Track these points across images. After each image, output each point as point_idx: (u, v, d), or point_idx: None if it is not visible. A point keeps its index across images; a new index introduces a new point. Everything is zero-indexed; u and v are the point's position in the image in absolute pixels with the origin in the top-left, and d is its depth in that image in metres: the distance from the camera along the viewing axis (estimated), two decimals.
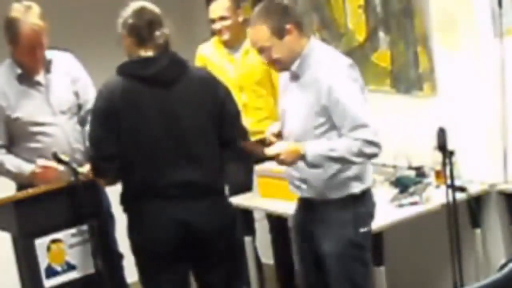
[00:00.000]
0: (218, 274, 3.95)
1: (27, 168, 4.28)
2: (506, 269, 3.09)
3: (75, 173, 4.05)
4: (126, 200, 3.90)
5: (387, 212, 4.33)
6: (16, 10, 4.22)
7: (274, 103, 5.09)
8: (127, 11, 3.75)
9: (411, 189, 4.43)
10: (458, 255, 3.94)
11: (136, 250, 3.92)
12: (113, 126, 3.70)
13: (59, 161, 4.13)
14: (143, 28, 3.72)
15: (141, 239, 3.86)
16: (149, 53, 3.72)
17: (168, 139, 3.73)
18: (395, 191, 4.52)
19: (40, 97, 4.34)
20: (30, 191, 4.12)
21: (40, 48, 4.26)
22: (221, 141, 3.85)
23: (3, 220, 4.11)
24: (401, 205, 4.37)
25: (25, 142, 4.33)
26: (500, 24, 4.34)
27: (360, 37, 4.92)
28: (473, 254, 4.53)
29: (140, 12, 3.75)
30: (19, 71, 4.31)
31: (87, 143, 4.17)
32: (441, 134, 3.84)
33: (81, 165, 4.28)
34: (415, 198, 4.37)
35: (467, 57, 4.44)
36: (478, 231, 4.54)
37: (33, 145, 4.32)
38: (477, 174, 4.49)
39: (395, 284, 4.53)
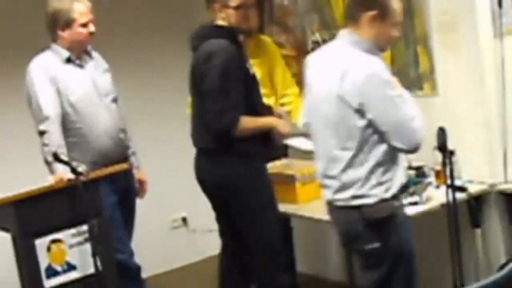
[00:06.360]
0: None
1: (61, 170, 4.21)
2: (506, 269, 3.09)
3: (76, 173, 4.05)
4: None
5: None
6: (61, 2, 4.43)
7: (275, 102, 5.10)
8: None
9: (411, 189, 4.42)
10: (458, 255, 3.94)
11: None
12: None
13: (59, 160, 4.14)
14: None
15: None
16: None
17: None
18: None
19: (87, 80, 4.52)
20: (30, 191, 4.12)
21: (93, 23, 4.48)
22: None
23: (3, 220, 4.12)
24: None
25: (74, 124, 4.46)
26: (500, 24, 4.34)
27: None
28: (473, 254, 4.53)
29: None
30: (66, 54, 4.47)
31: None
32: (441, 134, 3.84)
33: (127, 147, 4.67)
34: (415, 198, 4.37)
35: (467, 57, 4.44)
36: (478, 231, 4.53)
37: (81, 125, 4.45)
38: (477, 174, 4.49)
39: None
